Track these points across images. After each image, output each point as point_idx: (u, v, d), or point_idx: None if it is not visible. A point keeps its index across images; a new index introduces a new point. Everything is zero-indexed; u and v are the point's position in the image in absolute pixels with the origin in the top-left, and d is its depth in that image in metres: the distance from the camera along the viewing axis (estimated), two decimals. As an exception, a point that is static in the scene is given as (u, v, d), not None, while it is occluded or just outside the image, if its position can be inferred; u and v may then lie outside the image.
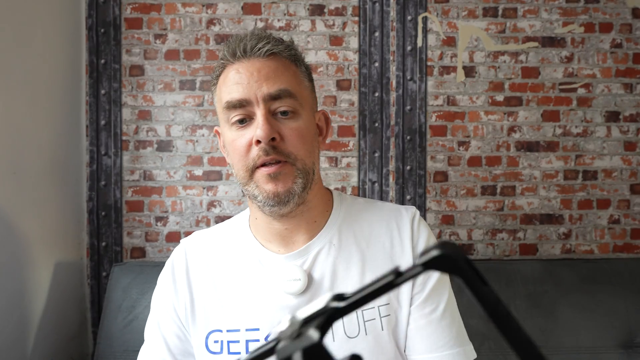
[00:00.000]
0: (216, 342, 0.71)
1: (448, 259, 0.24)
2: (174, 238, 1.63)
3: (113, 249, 1.61)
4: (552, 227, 1.67)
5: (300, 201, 0.70)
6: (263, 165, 0.67)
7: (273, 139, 0.67)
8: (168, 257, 1.72)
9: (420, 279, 0.73)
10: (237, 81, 0.68)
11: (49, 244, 1.40)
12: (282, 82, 0.68)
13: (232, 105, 0.68)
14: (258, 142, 0.66)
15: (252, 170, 0.68)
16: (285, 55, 0.71)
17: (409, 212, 0.76)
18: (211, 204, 1.63)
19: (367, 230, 0.75)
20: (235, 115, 0.69)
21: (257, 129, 0.66)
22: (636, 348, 1.38)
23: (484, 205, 1.66)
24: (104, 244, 1.60)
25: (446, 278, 0.75)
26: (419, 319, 0.71)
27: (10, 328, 1.18)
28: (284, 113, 0.68)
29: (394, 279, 0.26)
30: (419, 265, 0.25)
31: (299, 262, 0.72)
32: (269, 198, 0.68)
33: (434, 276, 0.73)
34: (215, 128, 0.78)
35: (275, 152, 0.67)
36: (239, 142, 0.69)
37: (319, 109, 0.79)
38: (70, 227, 1.53)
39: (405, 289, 0.72)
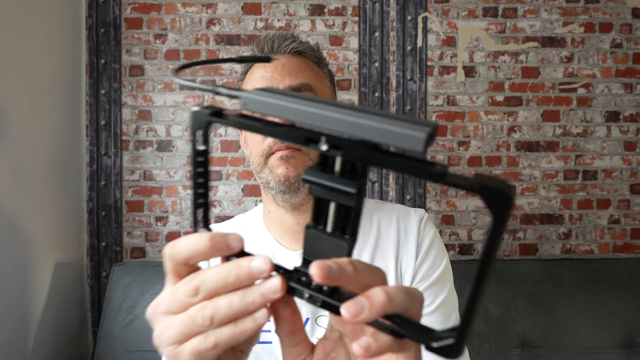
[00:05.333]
0: None
1: (507, 199, 0.23)
2: (174, 238, 1.62)
3: (113, 249, 1.61)
4: (552, 227, 1.67)
5: None
6: (278, 150, 0.70)
7: None
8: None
9: (422, 272, 0.72)
10: (262, 74, 0.72)
11: (49, 244, 1.40)
12: (304, 78, 0.72)
13: None
14: None
15: (267, 155, 0.70)
16: (309, 55, 0.76)
17: (417, 214, 0.78)
18: (211, 204, 1.63)
19: (376, 230, 0.77)
20: None
21: None
22: (636, 348, 1.39)
23: (484, 205, 1.66)
24: (104, 243, 1.61)
25: (449, 274, 0.75)
26: None
27: (10, 327, 1.18)
28: None
29: (441, 172, 0.24)
30: (477, 183, 0.24)
31: None
32: (280, 182, 0.69)
33: (437, 270, 0.73)
34: None
35: None
36: None
37: None
38: (70, 227, 1.53)
39: (406, 281, 0.72)
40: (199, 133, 0.31)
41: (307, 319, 0.70)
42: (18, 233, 1.24)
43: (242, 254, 0.31)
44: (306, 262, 0.31)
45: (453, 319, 0.72)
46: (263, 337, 0.70)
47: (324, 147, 0.27)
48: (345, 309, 0.27)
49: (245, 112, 0.30)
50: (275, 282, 0.29)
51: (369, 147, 0.26)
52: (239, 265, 0.29)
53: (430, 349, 0.28)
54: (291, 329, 0.32)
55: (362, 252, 0.74)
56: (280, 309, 0.32)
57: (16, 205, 1.23)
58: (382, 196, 1.64)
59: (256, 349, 0.69)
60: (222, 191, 1.63)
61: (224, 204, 1.63)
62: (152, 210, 1.63)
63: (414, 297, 0.29)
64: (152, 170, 1.62)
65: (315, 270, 0.27)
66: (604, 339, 1.39)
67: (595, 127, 1.66)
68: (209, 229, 0.33)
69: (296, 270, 0.31)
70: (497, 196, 0.23)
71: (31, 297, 1.29)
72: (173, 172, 1.63)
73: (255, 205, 1.56)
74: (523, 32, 1.65)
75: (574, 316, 1.40)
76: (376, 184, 1.64)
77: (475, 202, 1.66)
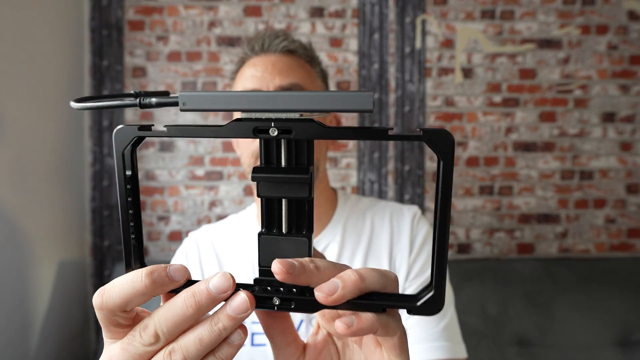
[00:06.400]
0: None
1: (449, 139, 0.26)
2: (176, 237, 1.65)
3: (116, 248, 1.62)
4: (548, 226, 1.69)
5: None
6: None
7: None
8: (171, 256, 1.72)
9: (416, 269, 0.73)
10: (252, 74, 0.71)
11: (53, 243, 1.42)
12: (295, 77, 0.70)
13: None
14: None
15: (257, 156, 0.70)
16: (301, 54, 0.74)
17: (410, 211, 0.78)
18: (212, 204, 1.65)
19: (369, 229, 0.76)
20: None
21: None
22: (632, 345, 1.41)
23: (482, 205, 1.68)
24: (106, 243, 1.62)
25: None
26: None
27: (14, 326, 1.20)
28: None
29: (387, 129, 0.26)
30: (421, 131, 0.26)
31: None
32: None
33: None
34: None
35: None
36: None
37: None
38: (73, 227, 1.55)
39: (401, 278, 0.72)
40: (127, 154, 0.28)
41: (302, 321, 0.70)
42: (21, 232, 1.26)
43: (188, 284, 0.28)
44: (265, 272, 0.29)
45: (449, 315, 0.71)
46: (257, 340, 0.70)
47: (274, 133, 0.27)
48: (319, 290, 0.26)
49: (167, 125, 0.29)
50: (242, 298, 0.26)
51: (319, 124, 0.26)
52: (196, 292, 0.26)
53: (412, 311, 0.28)
54: (281, 327, 0.31)
55: (356, 251, 0.74)
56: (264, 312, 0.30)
57: (20, 205, 1.25)
58: (381, 196, 1.66)
59: (251, 352, 0.69)
60: (224, 191, 1.65)
61: (225, 204, 1.65)
62: (154, 209, 1.64)
63: (388, 276, 0.29)
64: (155, 171, 1.64)
65: (276, 267, 0.26)
66: (600, 337, 1.41)
67: (592, 128, 1.68)
68: (144, 266, 0.29)
69: (257, 281, 0.29)
70: (441, 137, 0.26)
71: (34, 296, 1.30)
72: (175, 172, 1.65)
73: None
74: (520, 34, 1.67)
75: (570, 314, 1.42)
76: (375, 184, 1.66)
77: (474, 202, 1.68)
